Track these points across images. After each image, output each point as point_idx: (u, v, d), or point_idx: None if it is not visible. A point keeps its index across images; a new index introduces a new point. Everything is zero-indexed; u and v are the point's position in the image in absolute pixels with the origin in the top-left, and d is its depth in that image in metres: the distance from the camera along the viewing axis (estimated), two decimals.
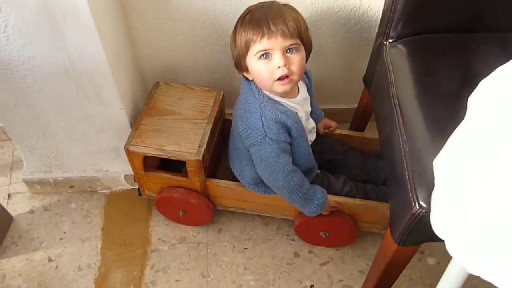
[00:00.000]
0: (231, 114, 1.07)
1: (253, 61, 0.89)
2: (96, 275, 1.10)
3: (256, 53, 0.88)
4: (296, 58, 0.89)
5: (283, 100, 0.94)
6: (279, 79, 0.88)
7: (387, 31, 0.94)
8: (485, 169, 0.38)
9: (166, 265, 1.12)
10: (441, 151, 0.46)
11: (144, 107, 1.08)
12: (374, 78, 1.00)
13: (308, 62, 1.20)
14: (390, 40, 0.94)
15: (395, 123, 0.79)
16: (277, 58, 0.87)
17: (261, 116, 0.91)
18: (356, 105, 1.21)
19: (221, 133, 1.17)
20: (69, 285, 1.09)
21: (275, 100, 0.94)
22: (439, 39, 0.91)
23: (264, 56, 0.88)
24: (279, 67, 0.87)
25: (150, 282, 1.09)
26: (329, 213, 1.03)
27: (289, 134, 0.93)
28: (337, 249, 1.15)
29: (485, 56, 0.88)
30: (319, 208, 0.98)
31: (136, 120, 1.06)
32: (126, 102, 1.04)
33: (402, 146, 0.74)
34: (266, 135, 0.91)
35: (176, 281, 1.09)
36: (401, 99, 0.81)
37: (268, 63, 0.88)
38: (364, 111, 1.15)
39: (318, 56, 1.20)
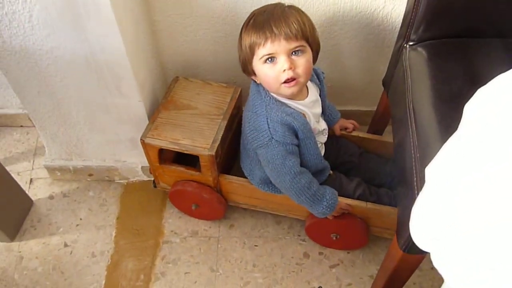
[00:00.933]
0: None
1: (258, 65, 0.90)
2: (109, 262, 1.13)
3: (261, 57, 0.88)
4: (302, 61, 0.88)
5: (290, 102, 0.94)
6: (285, 82, 0.88)
7: (407, 33, 0.92)
8: (480, 176, 0.38)
9: (177, 257, 1.13)
10: (433, 159, 0.45)
11: (162, 101, 1.09)
12: (393, 81, 0.98)
13: (328, 62, 1.20)
14: (411, 43, 0.92)
15: (408, 128, 0.77)
16: (282, 62, 0.87)
17: (267, 118, 0.91)
18: (375, 108, 1.20)
19: (238, 129, 1.18)
20: (82, 271, 1.12)
21: (282, 102, 0.94)
22: (461, 43, 0.89)
23: (269, 60, 0.88)
24: (284, 70, 0.87)
25: (160, 273, 1.11)
26: (340, 216, 1.02)
27: (296, 136, 0.93)
28: (348, 252, 1.14)
29: (509, 63, 0.85)
30: (329, 209, 0.98)
31: (153, 113, 1.08)
32: (145, 95, 1.06)
33: (413, 151, 0.73)
34: (272, 137, 0.91)
35: (185, 273, 1.11)
36: (416, 104, 0.79)
37: (274, 66, 0.88)
38: (383, 114, 1.13)
39: (339, 56, 1.19)
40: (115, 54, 0.93)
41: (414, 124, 0.77)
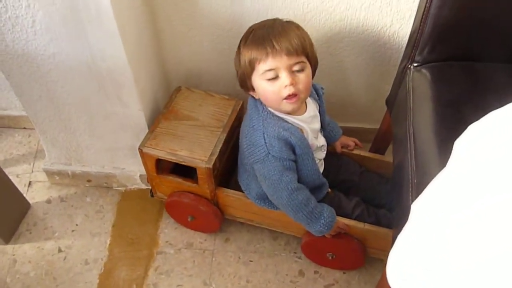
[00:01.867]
0: None
1: (258, 81, 0.88)
2: (102, 271, 1.12)
3: (262, 73, 0.87)
4: (302, 76, 0.87)
5: (287, 117, 0.93)
6: (287, 97, 0.87)
7: (412, 54, 0.91)
8: (471, 213, 0.36)
9: (170, 268, 1.12)
10: (421, 196, 0.44)
11: (163, 110, 1.09)
12: (396, 101, 0.97)
13: (333, 79, 1.19)
14: (415, 64, 0.91)
15: (407, 152, 0.76)
16: (283, 77, 0.86)
17: (264, 134, 0.90)
18: (379, 126, 1.18)
19: (238, 142, 1.16)
20: (74, 278, 1.11)
21: (279, 117, 0.92)
22: (466, 67, 0.87)
23: (270, 75, 0.86)
24: (286, 86, 0.86)
25: (152, 284, 1.10)
26: (337, 235, 1.00)
27: (293, 151, 0.92)
28: (344, 273, 1.12)
29: None
30: (326, 228, 0.96)
31: (153, 122, 1.07)
32: (145, 104, 1.06)
33: (410, 176, 0.72)
34: (269, 153, 0.90)
35: (178, 286, 1.09)
36: (417, 127, 0.78)
37: (275, 82, 0.87)
38: (385, 134, 1.12)
39: (344, 73, 1.18)
40: (116, 62, 0.93)
41: (413, 147, 0.75)
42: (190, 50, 1.14)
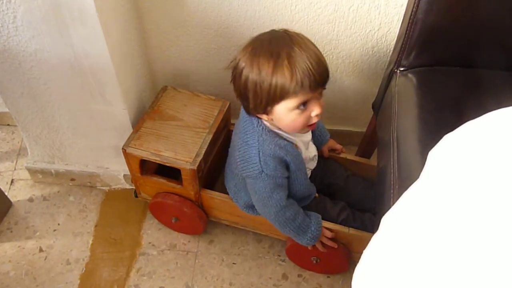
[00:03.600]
0: None
1: (285, 111, 0.80)
2: (83, 271, 1.10)
3: (296, 105, 0.79)
4: (322, 100, 0.83)
5: (282, 133, 0.89)
6: (311, 124, 0.84)
7: (399, 58, 0.90)
8: (443, 228, 0.35)
9: (152, 270, 1.11)
10: (392, 208, 0.43)
11: (148, 110, 1.07)
12: (382, 105, 0.96)
13: None
14: (402, 69, 0.90)
15: (391, 157, 0.75)
16: (316, 108, 0.80)
17: (259, 151, 0.86)
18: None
19: (225, 144, 1.15)
20: (55, 278, 1.09)
21: (274, 132, 0.88)
22: (452, 72, 0.87)
23: (302, 106, 0.79)
24: (317, 115, 0.81)
25: (133, 285, 1.08)
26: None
27: (287, 168, 0.90)
28: (328, 277, 1.11)
29: (501, 97, 0.83)
30: (313, 240, 0.96)
31: (138, 122, 1.05)
32: (129, 103, 1.04)
33: (392, 181, 0.71)
34: (263, 171, 0.87)
35: (160, 287, 1.08)
36: (400, 132, 0.77)
37: (304, 112, 0.80)
38: (371, 138, 1.11)
39: (333, 75, 1.16)
40: (100, 59, 0.91)
41: (396, 152, 0.74)
42: (177, 50, 1.13)
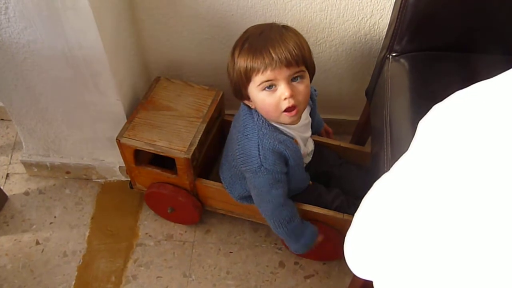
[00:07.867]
0: (231, 115, 1.06)
1: (255, 92, 0.83)
2: (80, 263, 1.11)
3: (259, 84, 0.81)
4: (302, 87, 0.83)
5: (282, 127, 0.90)
6: (286, 110, 0.83)
7: (391, 44, 0.91)
8: (431, 198, 0.36)
9: (150, 260, 1.11)
10: (383, 175, 0.44)
11: (142, 101, 1.07)
12: (375, 92, 0.96)
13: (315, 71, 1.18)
14: (394, 54, 0.91)
15: (384, 141, 0.76)
16: (282, 89, 0.81)
17: (259, 145, 0.86)
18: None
19: (219, 133, 1.16)
20: (52, 270, 1.10)
21: (274, 127, 0.89)
22: (445, 57, 0.88)
23: (268, 87, 0.82)
24: (285, 99, 0.81)
25: (131, 276, 1.09)
26: (317, 226, 1.00)
27: (286, 163, 0.90)
28: (324, 263, 1.12)
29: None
30: (304, 249, 0.98)
31: (132, 112, 1.06)
32: (123, 94, 1.04)
33: (386, 165, 0.72)
34: (262, 165, 0.87)
35: (157, 277, 1.08)
36: (393, 117, 0.78)
37: (273, 94, 0.82)
38: (365, 125, 1.12)
39: (325, 64, 1.18)
40: (93, 50, 0.91)
41: (389, 138, 0.75)
42: (170, 40, 1.13)
